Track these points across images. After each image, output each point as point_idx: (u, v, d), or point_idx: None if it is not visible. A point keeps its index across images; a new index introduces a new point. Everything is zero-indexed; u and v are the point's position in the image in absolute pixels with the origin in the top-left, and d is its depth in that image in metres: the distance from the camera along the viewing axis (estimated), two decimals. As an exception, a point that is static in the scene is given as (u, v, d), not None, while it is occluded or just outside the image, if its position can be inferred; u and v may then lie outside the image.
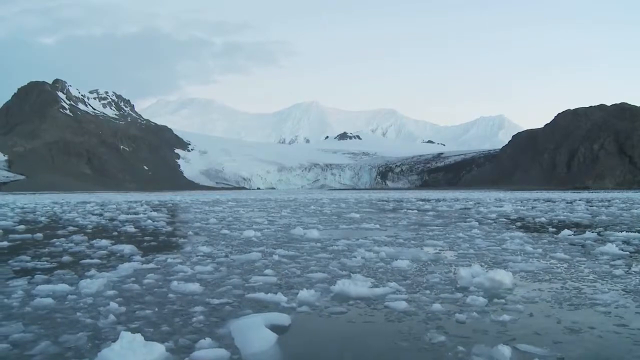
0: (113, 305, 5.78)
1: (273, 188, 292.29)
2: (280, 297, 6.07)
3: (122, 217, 21.89)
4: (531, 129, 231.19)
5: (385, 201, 44.84)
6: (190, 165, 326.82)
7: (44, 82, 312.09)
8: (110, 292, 6.53)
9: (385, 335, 4.86)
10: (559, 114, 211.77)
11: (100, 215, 23.39)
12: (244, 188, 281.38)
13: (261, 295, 6.22)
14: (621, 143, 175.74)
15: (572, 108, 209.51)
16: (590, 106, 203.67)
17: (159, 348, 4.27)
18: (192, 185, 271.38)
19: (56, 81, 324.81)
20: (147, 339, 4.36)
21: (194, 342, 4.55)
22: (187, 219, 21.39)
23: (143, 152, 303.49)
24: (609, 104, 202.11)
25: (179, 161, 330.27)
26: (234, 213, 25.14)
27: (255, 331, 4.73)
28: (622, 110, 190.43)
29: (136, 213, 25.04)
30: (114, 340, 4.41)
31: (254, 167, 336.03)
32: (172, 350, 4.37)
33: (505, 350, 4.10)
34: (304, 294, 6.13)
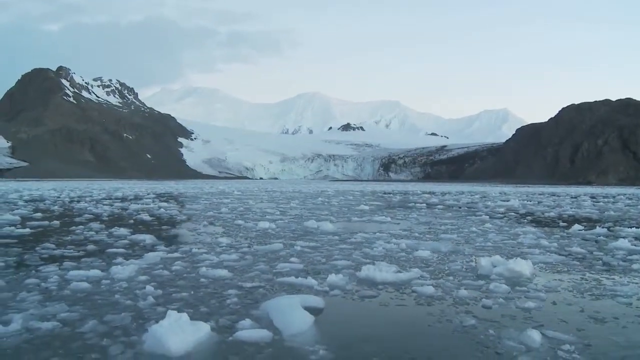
0: (149, 288, 5.99)
1: (276, 178, 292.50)
2: (311, 281, 6.29)
3: (134, 206, 22.11)
4: (535, 123, 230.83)
5: (391, 194, 45.00)
6: (193, 154, 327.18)
7: (47, 69, 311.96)
8: (142, 278, 6.73)
9: (418, 317, 5.14)
10: (563, 108, 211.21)
11: (111, 205, 23.61)
12: (246, 178, 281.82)
13: (291, 279, 6.45)
14: (625, 139, 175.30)
15: (576, 103, 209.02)
16: (595, 101, 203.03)
17: (205, 327, 4.49)
18: (194, 174, 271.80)
19: (60, 68, 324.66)
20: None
21: (234, 323, 4.77)
22: (199, 209, 21.59)
23: (146, 141, 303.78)
24: (613, 99, 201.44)
25: (182, 150, 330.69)
26: (244, 204, 25.35)
27: (293, 312, 4.93)
28: (627, 105, 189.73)
29: (146, 203, 25.26)
30: (158, 320, 4.63)
31: (257, 156, 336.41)
32: (216, 330, 4.59)
33: (535, 335, 4.33)
34: (333, 278, 6.36)
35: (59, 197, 30.72)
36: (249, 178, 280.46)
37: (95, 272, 6.91)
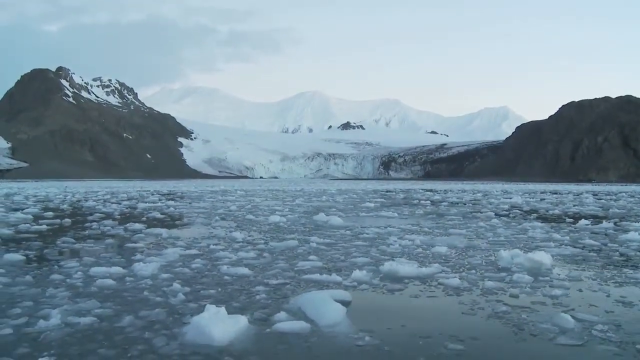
0: (176, 285, 6.08)
1: (276, 177, 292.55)
2: (336, 277, 6.39)
3: (142, 205, 22.23)
4: (535, 121, 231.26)
5: (393, 192, 45.14)
6: (193, 153, 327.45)
7: (47, 69, 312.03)
8: (166, 275, 6.77)
9: (451, 306, 5.30)
10: (563, 105, 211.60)
11: (119, 204, 23.71)
12: (246, 177, 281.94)
13: (316, 276, 6.54)
14: (625, 136, 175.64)
15: (576, 100, 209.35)
16: (595, 98, 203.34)
17: (243, 319, 4.60)
18: (194, 174, 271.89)
19: (59, 68, 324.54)
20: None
21: (269, 316, 4.86)
22: (208, 207, 21.70)
23: (146, 140, 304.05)
24: (613, 96, 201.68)
25: (182, 149, 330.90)
26: (250, 202, 25.49)
27: (326, 304, 5.02)
28: (627, 102, 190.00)
29: (153, 202, 25.39)
30: (193, 315, 4.75)
31: (257, 156, 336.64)
32: (253, 322, 4.69)
33: (567, 317, 4.53)
34: (357, 274, 6.47)
35: (65, 197, 30.83)
36: (249, 177, 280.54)
37: (117, 269, 7.00)
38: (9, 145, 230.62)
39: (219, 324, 4.37)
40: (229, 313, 4.83)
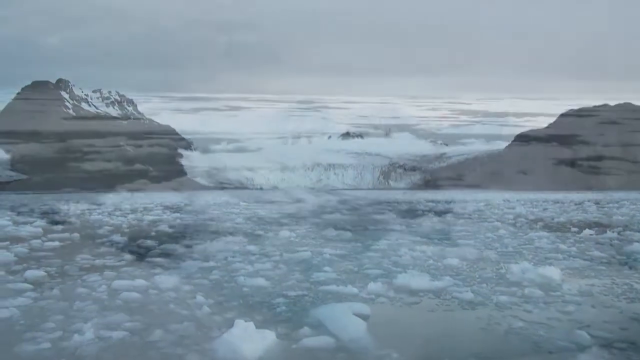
0: (200, 298, 6.23)
1: (275, 187, 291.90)
2: (352, 289, 6.54)
3: (148, 217, 22.23)
4: (534, 129, 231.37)
5: (395, 202, 45.07)
6: (192, 164, 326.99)
7: (47, 81, 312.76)
8: (187, 287, 6.89)
9: (468, 321, 5.50)
10: (562, 113, 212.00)
11: (124, 216, 23.69)
12: (246, 188, 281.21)
13: (332, 287, 6.69)
14: (625, 143, 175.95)
15: (575, 107, 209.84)
16: (594, 105, 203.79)
17: (271, 334, 4.80)
18: (194, 185, 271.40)
19: (60, 81, 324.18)
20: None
21: (292, 331, 5.05)
22: (214, 218, 21.68)
23: (146, 152, 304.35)
24: (612, 103, 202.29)
25: (182, 160, 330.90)
26: (255, 214, 25.46)
27: (346, 319, 5.22)
28: (626, 110, 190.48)
29: (158, 214, 25.38)
30: (220, 329, 4.93)
31: (257, 166, 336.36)
32: (280, 337, 4.86)
33: (585, 334, 4.65)
34: (372, 286, 6.65)
35: (69, 210, 30.80)
36: (249, 188, 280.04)
37: (140, 282, 7.07)
38: (8, 157, 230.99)
39: (249, 341, 4.56)
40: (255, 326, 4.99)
